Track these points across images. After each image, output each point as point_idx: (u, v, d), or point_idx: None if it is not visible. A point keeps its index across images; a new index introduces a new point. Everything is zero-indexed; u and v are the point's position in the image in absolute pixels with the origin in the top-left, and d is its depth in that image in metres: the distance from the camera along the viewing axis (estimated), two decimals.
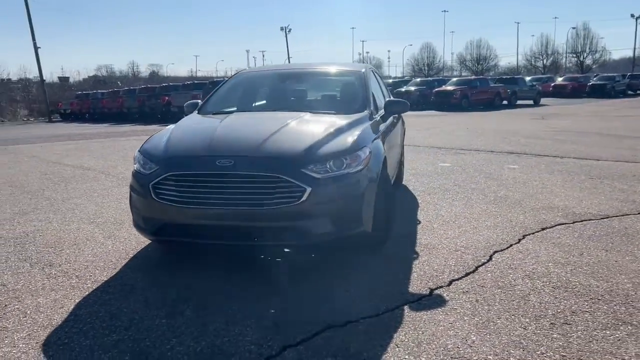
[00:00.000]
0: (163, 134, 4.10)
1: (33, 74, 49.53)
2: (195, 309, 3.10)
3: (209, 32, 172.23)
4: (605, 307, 3.04)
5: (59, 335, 2.81)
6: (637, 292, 3.25)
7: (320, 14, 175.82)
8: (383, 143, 4.32)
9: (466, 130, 14.56)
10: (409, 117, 19.58)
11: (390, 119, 5.03)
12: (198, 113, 4.85)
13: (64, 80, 69.39)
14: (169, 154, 3.68)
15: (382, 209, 3.92)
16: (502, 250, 4.08)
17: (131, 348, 2.65)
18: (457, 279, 3.51)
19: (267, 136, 3.72)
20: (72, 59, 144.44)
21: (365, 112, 4.42)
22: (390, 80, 37.12)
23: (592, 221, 4.85)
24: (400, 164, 6.44)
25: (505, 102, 28.32)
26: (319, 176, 3.41)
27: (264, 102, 5.18)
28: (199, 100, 5.17)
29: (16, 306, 3.22)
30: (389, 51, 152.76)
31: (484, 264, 3.79)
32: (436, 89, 27.61)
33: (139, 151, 3.90)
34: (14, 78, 56.08)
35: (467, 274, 3.60)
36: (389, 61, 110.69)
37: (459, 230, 4.61)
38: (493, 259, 3.88)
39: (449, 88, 27.37)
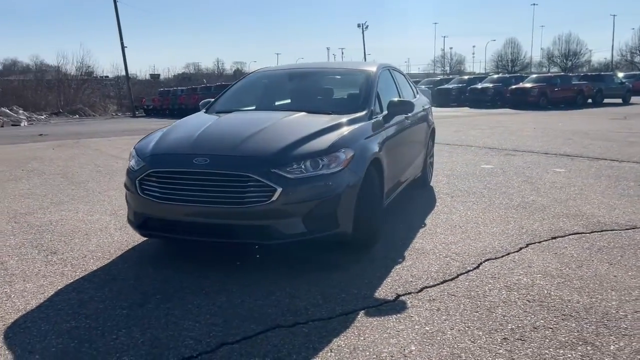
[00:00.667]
0: (158, 132, 4.26)
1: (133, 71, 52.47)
2: (160, 302, 3.22)
3: (290, 30, 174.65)
4: (573, 325, 2.85)
5: (25, 319, 3.01)
6: (619, 310, 3.01)
7: (400, 10, 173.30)
8: (381, 144, 4.26)
9: (532, 130, 13.94)
10: (476, 115, 18.95)
11: (400, 119, 4.91)
12: (206, 112, 4.98)
13: (155, 77, 73.27)
14: (154, 152, 3.83)
15: (369, 211, 3.87)
16: (494, 259, 3.91)
17: (81, 336, 2.80)
18: (431, 286, 3.41)
19: (248, 136, 3.78)
20: (163, 57, 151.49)
21: (363, 113, 4.36)
22: (466, 77, 36.01)
23: (614, 232, 4.53)
24: (426, 165, 6.28)
25: (589, 100, 26.78)
26: (291, 176, 3.43)
27: (268, 101, 5.22)
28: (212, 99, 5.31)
29: (5, 289, 3.48)
30: (473, 46, 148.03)
31: (467, 272, 3.66)
32: (512, 87, 26.54)
33: (134, 148, 4.08)
34: (111, 75, 59.73)
35: (444, 282, 3.49)
36: (473, 57, 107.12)
37: (461, 236, 4.45)
38: (480, 268, 3.73)
39: (527, 85, 26.24)
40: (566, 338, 2.71)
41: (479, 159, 8.94)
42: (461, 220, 4.95)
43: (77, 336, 2.80)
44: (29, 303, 3.25)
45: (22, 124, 26.13)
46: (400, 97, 5.41)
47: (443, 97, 29.99)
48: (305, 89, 5.31)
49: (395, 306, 3.12)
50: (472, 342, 2.68)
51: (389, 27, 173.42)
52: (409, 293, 3.31)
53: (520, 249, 4.14)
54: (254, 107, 5.01)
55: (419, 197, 5.96)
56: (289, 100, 5.16)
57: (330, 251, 4.00)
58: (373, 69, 5.07)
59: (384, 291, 3.33)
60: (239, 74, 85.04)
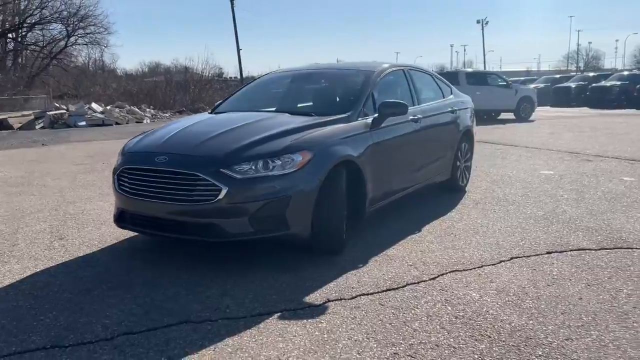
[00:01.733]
0: (149, 131, 4.54)
1: (247, 72, 55.17)
2: (106, 290, 3.45)
3: (409, 28, 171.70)
4: (482, 347, 2.65)
5: None
6: (549, 336, 2.74)
7: (527, 3, 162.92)
8: (364, 147, 4.20)
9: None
10: (589, 116, 17.60)
11: (400, 121, 4.76)
12: (211, 112, 5.20)
13: None
14: (130, 150, 4.11)
15: (333, 216, 3.83)
16: (461, 271, 3.70)
17: (16, 315, 3.09)
18: (368, 294, 3.32)
19: (212, 136, 3.92)
20: (283, 57, 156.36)
21: (346, 114, 4.31)
22: (591, 74, 33.14)
23: (626, 250, 4.07)
24: (456, 168, 6.02)
25: None
26: (238, 177, 3.51)
27: (265, 102, 5.29)
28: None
29: None
30: (616, 41, 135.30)
31: (419, 282, 3.50)
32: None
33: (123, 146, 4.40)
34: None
35: (386, 290, 3.38)
36: (615, 51, 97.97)
37: (447, 245, 4.25)
38: (437, 279, 3.56)
39: None
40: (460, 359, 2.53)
41: (545, 164, 8.33)
42: (463, 229, 4.71)
43: (12, 315, 3.10)
44: (2, 282, 3.64)
45: (144, 121, 28.38)
46: (413, 98, 5.25)
47: (561, 97, 28.03)
48: (301, 90, 5.34)
49: (314, 311, 3.09)
50: (358, 354, 2.60)
51: (514, 22, 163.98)
52: (341, 299, 3.25)
53: (500, 262, 3.87)
54: (250, 108, 5.09)
55: (438, 202, 5.73)
56: (280, 102, 5.21)
57: (296, 252, 4.00)
58: (374, 70, 4.96)
59: (316, 295, 3.30)
60: None
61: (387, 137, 4.58)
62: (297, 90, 5.35)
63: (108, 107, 29.35)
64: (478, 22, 60.29)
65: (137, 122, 28.18)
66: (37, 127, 23.78)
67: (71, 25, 46.59)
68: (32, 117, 26.01)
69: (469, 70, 24.16)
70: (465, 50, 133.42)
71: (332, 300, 3.23)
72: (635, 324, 2.86)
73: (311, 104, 4.97)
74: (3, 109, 30.61)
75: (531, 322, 2.90)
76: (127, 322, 2.97)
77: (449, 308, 3.10)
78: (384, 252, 4.09)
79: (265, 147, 3.67)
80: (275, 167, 3.58)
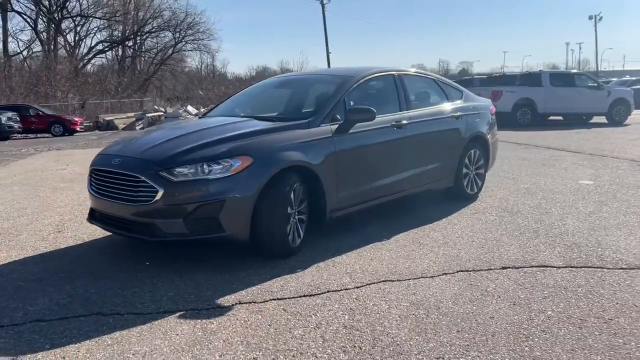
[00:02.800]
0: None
1: None
2: (55, 279, 3.77)
3: (517, 26, 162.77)
4: (344, 358, 2.63)
5: None
6: (422, 353, 2.66)
7: None
8: (324, 154, 4.23)
9: None
10: None
11: (375, 127, 4.71)
12: (200, 117, 5.45)
13: None
14: (101, 152, 4.45)
15: (276, 222, 3.89)
16: (393, 281, 3.63)
17: None
18: (281, 299, 3.37)
19: (165, 140, 4.15)
20: (387, 58, 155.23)
21: (306, 120, 4.36)
22: None
23: (593, 269, 3.78)
24: (461, 175, 5.81)
25: None
26: (175, 179, 3.71)
27: (245, 108, 5.40)
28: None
29: None
30: None
31: (340, 290, 3.49)
32: None
33: None
34: None
35: (301, 296, 3.40)
36: None
37: (403, 255, 4.16)
38: (361, 288, 3.52)
39: None
40: None
41: (594, 173, 7.74)
42: (434, 239, 4.57)
43: None
44: None
45: None
46: (400, 104, 5.16)
47: None
48: (279, 96, 5.42)
49: (215, 312, 3.18)
50: (220, 356, 2.68)
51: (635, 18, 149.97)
52: (252, 303, 3.32)
53: (443, 274, 3.74)
54: (231, 113, 5.23)
55: (435, 209, 5.56)
56: (257, 107, 5.32)
57: (252, 255, 4.10)
58: (353, 76, 4.94)
59: (231, 297, 3.40)
60: (465, 74, 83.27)
61: (358, 144, 4.56)
62: (276, 96, 5.46)
63: (202, 109, 30.93)
64: (590, 18, 56.21)
65: None
66: (137, 127, 25.73)
67: (179, 33, 49.70)
68: (134, 118, 28.18)
69: (554, 70, 22.70)
70: (580, 48, 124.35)
71: (243, 303, 3.31)
72: (526, 348, 2.68)
73: (282, 109, 5.06)
74: (113, 111, 33.40)
75: (417, 337, 2.81)
76: (46, 311, 3.25)
77: (346, 317, 3.07)
78: (332, 259, 4.09)
79: (204, 152, 3.82)
80: (211, 171, 3.72)
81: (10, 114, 21.77)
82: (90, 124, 28.16)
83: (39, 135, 24.13)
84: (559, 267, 3.82)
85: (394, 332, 2.88)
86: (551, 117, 18.68)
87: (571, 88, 17.33)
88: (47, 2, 44.29)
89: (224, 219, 3.72)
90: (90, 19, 46.98)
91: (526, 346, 2.70)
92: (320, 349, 2.71)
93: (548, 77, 17.41)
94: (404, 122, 5.02)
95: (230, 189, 3.72)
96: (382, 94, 5.21)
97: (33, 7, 43.38)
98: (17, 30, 50.08)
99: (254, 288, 3.54)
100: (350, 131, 4.51)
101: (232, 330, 2.94)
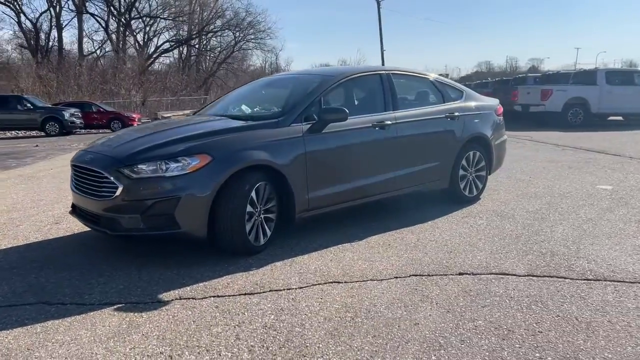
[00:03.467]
0: None
1: None
2: (26, 268, 3.98)
3: (591, 21, 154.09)
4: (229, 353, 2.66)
5: None
6: (319, 353, 2.65)
7: None
8: (292, 153, 4.25)
9: None
10: None
11: (354, 127, 4.67)
12: (193, 114, 5.59)
13: (444, 76, 75.04)
14: (82, 147, 4.65)
15: (234, 221, 3.95)
16: (340, 283, 3.61)
17: None
18: (220, 296, 3.41)
19: (135, 137, 4.28)
20: (453, 57, 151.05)
21: (275, 120, 4.38)
22: None
23: (553, 279, 3.62)
24: (457, 177, 5.67)
25: None
26: (134, 176, 3.83)
27: (231, 107, 5.45)
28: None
29: None
30: None
31: (282, 290, 3.49)
32: None
33: None
34: None
35: (242, 294, 3.42)
36: None
37: (367, 257, 4.12)
38: (304, 289, 3.51)
39: None
40: None
41: (621, 177, 7.34)
42: (406, 242, 4.48)
43: None
44: None
45: None
46: (386, 104, 5.09)
47: None
48: (262, 95, 5.46)
49: (150, 307, 3.26)
50: (129, 349, 2.76)
51: None
52: (191, 299, 3.38)
53: (394, 278, 3.68)
54: (219, 112, 5.27)
55: (427, 210, 5.46)
56: (235, 106, 5.37)
57: (215, 253, 4.18)
58: (333, 75, 4.92)
59: (174, 293, 3.46)
60: (533, 71, 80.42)
61: (332, 144, 4.54)
62: (259, 96, 5.50)
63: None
64: None
65: None
66: None
67: (240, 32, 50.71)
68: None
69: (612, 68, 21.48)
70: None
71: (182, 299, 3.39)
72: (433, 358, 2.61)
73: (257, 109, 5.10)
74: (172, 108, 34.54)
75: (329, 340, 2.79)
76: (1, 298, 3.45)
77: (272, 317, 3.08)
78: (293, 258, 4.11)
79: (164, 150, 3.93)
80: (169, 168, 3.82)
81: (73, 110, 22.97)
82: (149, 120, 29.26)
83: (100, 131, 25.33)
84: (519, 276, 3.67)
85: (309, 334, 2.87)
86: (611, 118, 17.75)
87: (631, 86, 16.41)
88: (117, 4, 46.38)
89: (179, 215, 3.80)
90: (158, 19, 48.76)
91: (434, 356, 2.62)
92: (228, 347, 2.74)
93: (604, 76, 16.55)
94: (388, 122, 4.94)
95: (187, 187, 3.80)
96: (365, 94, 5.16)
97: (104, 8, 45.64)
98: (92, 31, 52.15)
99: (201, 284, 3.61)
100: (324, 131, 4.49)
101: (155, 325, 3.02)
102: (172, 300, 3.37)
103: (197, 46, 53.74)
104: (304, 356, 2.64)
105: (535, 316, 3.03)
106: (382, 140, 4.91)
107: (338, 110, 4.45)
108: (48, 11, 42.39)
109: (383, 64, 39.64)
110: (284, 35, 66.37)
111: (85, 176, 4.15)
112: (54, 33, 43.34)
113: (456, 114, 5.61)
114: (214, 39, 53.68)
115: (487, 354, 2.63)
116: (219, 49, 54.39)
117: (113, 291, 3.53)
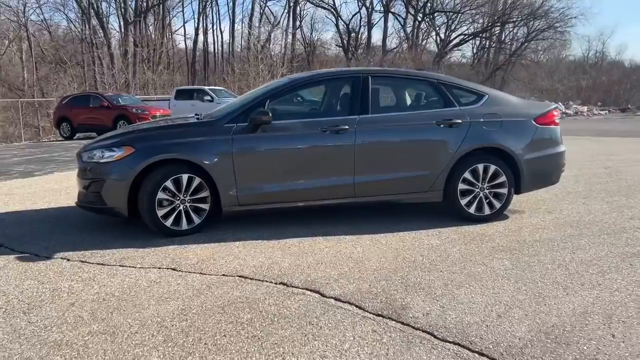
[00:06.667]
0: None
1: None
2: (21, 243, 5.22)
3: None
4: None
5: None
6: (56, 332, 3.17)
7: None
8: (215, 151, 4.69)
9: None
10: None
11: (300, 132, 4.85)
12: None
13: None
14: None
15: (148, 204, 4.59)
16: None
17: None
18: (101, 264, 3.97)
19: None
20: None
21: (212, 120, 4.92)
22: None
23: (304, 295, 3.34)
24: (450, 191, 5.14)
25: None
26: (85, 159, 4.88)
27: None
28: None
29: None
30: None
31: (148, 267, 3.95)
32: None
33: None
34: None
35: (119, 265, 4.00)
36: None
37: (267, 255, 4.25)
38: (160, 270, 3.92)
39: None
40: None
41: None
42: (318, 250, 4.45)
43: None
44: None
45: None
46: (353, 107, 5.00)
47: None
48: (244, 97, 5.75)
49: (39, 260, 4.16)
50: None
51: None
52: (83, 261, 4.09)
53: (257, 280, 3.77)
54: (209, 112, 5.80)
55: (422, 219, 5.14)
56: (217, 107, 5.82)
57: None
58: (295, 77, 5.09)
59: (79, 254, 4.24)
60: None
61: (265, 146, 4.82)
62: (242, 98, 5.84)
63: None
64: None
65: None
66: None
67: (541, 19, 47.02)
68: None
69: None
70: None
71: (64, 259, 4.19)
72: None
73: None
74: None
75: (80, 325, 3.01)
76: None
77: (96, 290, 3.52)
78: (207, 245, 4.50)
79: (107, 141, 4.88)
80: (104, 156, 4.72)
81: None
82: None
83: None
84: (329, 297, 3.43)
85: (82, 313, 3.24)
86: None
87: None
88: (415, 3, 48.65)
89: (105, 195, 4.67)
90: (459, 14, 49.00)
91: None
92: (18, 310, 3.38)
93: None
94: (345, 127, 4.86)
95: (111, 172, 4.65)
96: (326, 98, 5.17)
97: (404, 7, 48.58)
98: (395, 30, 55.20)
99: (107, 251, 4.33)
100: (258, 133, 4.75)
101: (13, 274, 3.86)
102: (66, 258, 4.19)
103: (490, 38, 52.19)
104: (43, 332, 3.16)
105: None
106: (334, 145, 4.86)
107: (262, 113, 4.66)
108: (359, 13, 47.44)
109: None
110: (617, 18, 54.47)
111: None
112: (363, 32, 48.04)
113: (456, 120, 5.06)
114: (509, 29, 51.32)
115: None
116: (508, 41, 52.00)
117: (53, 245, 4.57)
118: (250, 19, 44.63)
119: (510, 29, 51.06)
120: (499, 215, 5.25)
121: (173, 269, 3.96)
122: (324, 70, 5.29)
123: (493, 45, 53.19)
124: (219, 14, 71.45)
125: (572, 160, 9.65)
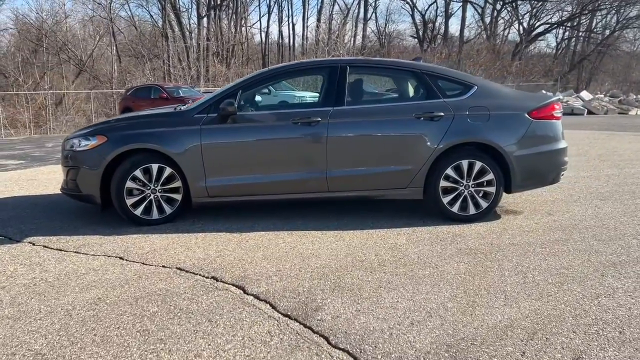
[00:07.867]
0: None
1: None
2: (16, 220, 5.66)
3: None
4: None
5: None
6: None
7: None
8: (184, 142, 4.69)
9: None
10: None
11: (270, 123, 4.74)
12: None
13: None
14: None
15: (117, 191, 4.69)
16: (149, 265, 4.04)
17: None
18: (61, 250, 4.17)
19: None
20: None
21: (183, 110, 4.94)
22: None
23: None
24: (431, 188, 4.91)
25: None
26: (67, 147, 5.03)
27: None
28: None
29: None
30: None
31: (101, 256, 4.05)
32: None
33: None
34: None
35: (74, 252, 4.15)
36: None
37: (231, 248, 4.26)
38: (110, 258, 4.03)
39: None
40: None
41: None
42: (290, 246, 4.39)
43: None
44: None
45: (631, 112, 25.80)
46: (328, 99, 4.85)
47: None
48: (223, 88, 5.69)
49: (7, 243, 4.43)
50: None
51: None
52: (45, 247, 4.30)
53: (211, 279, 3.87)
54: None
55: (410, 216, 4.96)
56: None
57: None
58: (269, 68, 4.98)
59: (45, 239, 4.47)
60: None
61: (233, 138, 4.75)
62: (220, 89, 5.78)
63: (596, 96, 28.26)
64: None
65: (620, 112, 25.48)
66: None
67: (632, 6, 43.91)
68: None
69: None
70: None
71: (37, 245, 4.36)
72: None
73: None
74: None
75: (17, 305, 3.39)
76: None
77: (33, 275, 3.76)
78: (174, 235, 4.57)
79: (86, 131, 4.98)
80: (80, 145, 4.86)
81: None
82: None
83: None
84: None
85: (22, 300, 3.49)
86: None
87: None
88: None
89: (79, 182, 4.82)
90: (544, 2, 46.56)
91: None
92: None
93: None
94: (317, 119, 4.73)
95: (84, 160, 4.78)
96: (307, 87, 4.99)
97: None
98: (475, 20, 53.12)
99: (73, 237, 4.52)
100: (228, 124, 4.71)
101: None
102: (31, 243, 4.41)
103: (579, 26, 49.24)
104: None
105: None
106: (305, 137, 4.74)
107: (228, 104, 4.61)
108: (435, 2, 46.35)
109: None
110: None
111: None
112: (441, 23, 46.97)
113: (437, 113, 4.78)
114: (596, 18, 48.21)
115: None
116: (597, 30, 48.86)
117: (24, 228, 4.80)
118: (320, 11, 44.54)
119: (603, 16, 47.85)
120: (485, 215, 4.92)
121: (120, 258, 4.01)
122: (302, 61, 5.15)
123: (581, 34, 50.07)
124: (291, 6, 71.64)
125: (619, 159, 8.91)
